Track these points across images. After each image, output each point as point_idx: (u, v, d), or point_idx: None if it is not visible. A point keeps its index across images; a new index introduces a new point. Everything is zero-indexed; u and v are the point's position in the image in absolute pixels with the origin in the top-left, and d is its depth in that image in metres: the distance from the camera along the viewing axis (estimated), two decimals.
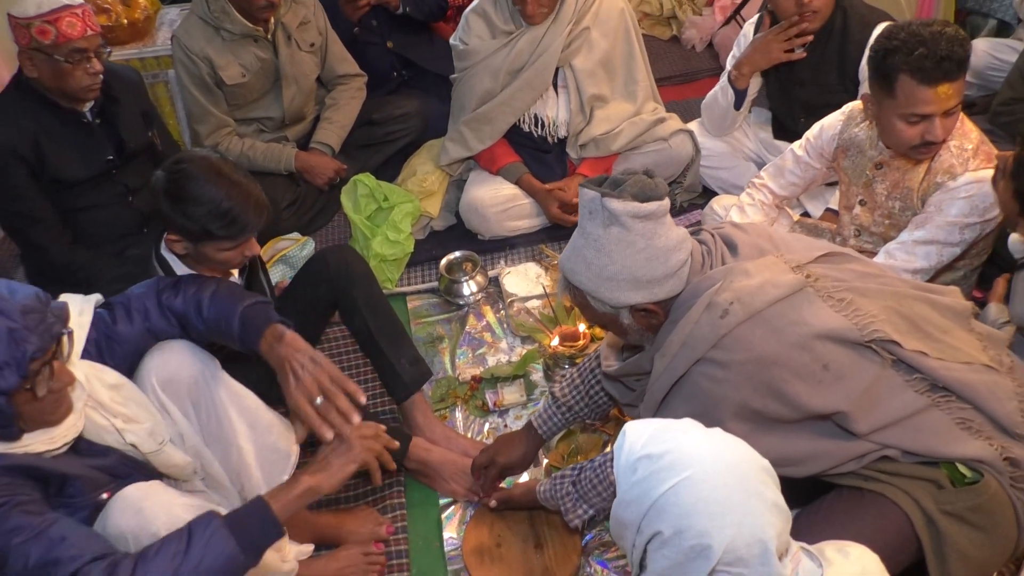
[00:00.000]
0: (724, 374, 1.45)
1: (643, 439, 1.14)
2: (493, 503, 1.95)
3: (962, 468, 1.48)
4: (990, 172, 1.93)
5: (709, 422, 1.21)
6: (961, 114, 1.99)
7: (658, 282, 1.52)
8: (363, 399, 1.52)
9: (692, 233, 1.64)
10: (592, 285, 1.55)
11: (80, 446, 1.48)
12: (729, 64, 2.75)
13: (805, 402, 1.45)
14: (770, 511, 1.08)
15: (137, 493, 1.43)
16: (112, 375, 1.56)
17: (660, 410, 1.54)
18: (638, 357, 1.66)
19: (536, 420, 1.98)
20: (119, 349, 1.64)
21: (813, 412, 1.46)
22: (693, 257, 1.57)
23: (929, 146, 1.92)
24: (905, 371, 1.51)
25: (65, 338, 1.38)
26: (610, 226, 1.49)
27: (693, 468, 1.08)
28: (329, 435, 1.47)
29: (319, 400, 1.47)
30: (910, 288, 1.60)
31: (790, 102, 2.67)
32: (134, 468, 1.52)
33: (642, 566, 1.16)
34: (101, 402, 1.49)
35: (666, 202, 1.50)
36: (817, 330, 1.45)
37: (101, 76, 2.28)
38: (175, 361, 1.67)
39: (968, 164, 1.95)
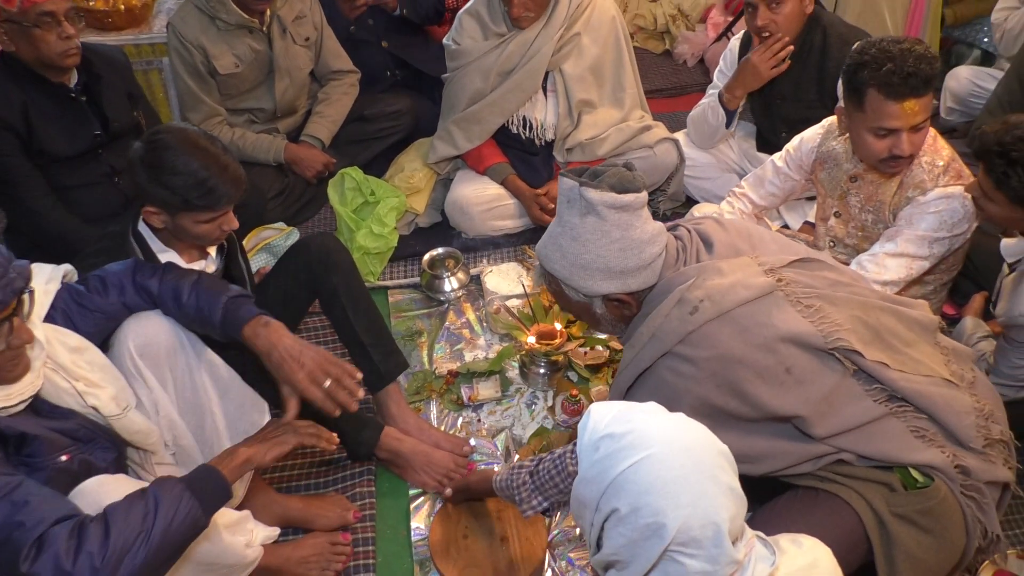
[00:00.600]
0: (689, 369, 1.48)
1: (607, 419, 1.16)
2: (449, 491, 1.96)
3: (914, 473, 1.50)
4: (959, 188, 1.97)
5: None
6: (933, 131, 2.04)
7: (631, 273, 1.55)
8: (359, 375, 1.62)
9: (669, 228, 1.67)
10: (566, 273, 1.58)
11: (40, 407, 1.48)
12: (717, 78, 2.79)
13: (765, 403, 1.47)
14: (725, 494, 1.10)
15: (99, 488, 1.44)
16: (74, 338, 1.56)
17: (625, 399, 1.56)
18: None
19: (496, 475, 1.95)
20: (90, 318, 1.64)
21: (773, 413, 1.49)
22: (668, 251, 1.60)
23: (896, 160, 1.97)
24: (865, 380, 1.54)
25: (26, 297, 1.39)
26: (586, 215, 1.52)
27: (653, 448, 1.10)
28: (336, 412, 1.58)
29: (327, 383, 1.54)
30: (879, 299, 1.64)
31: (772, 116, 2.72)
32: (96, 433, 1.52)
33: (599, 545, 1.18)
34: (62, 364, 1.50)
35: (643, 195, 1.53)
36: (783, 333, 1.48)
37: (76, 42, 2.30)
38: (152, 327, 1.68)
39: (938, 180, 1.99)
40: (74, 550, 1.22)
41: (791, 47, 2.53)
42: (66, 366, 1.51)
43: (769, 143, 2.77)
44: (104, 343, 1.67)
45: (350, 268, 2.20)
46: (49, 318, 1.58)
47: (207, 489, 1.41)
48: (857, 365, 1.52)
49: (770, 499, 1.58)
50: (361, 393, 1.57)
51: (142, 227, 1.87)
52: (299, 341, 1.62)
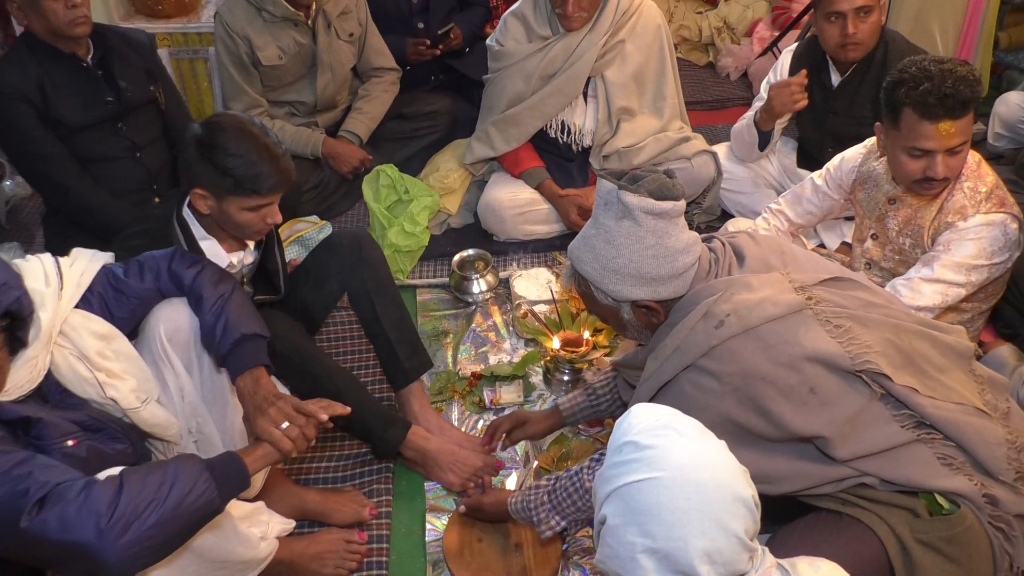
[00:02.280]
0: (711, 383, 1.45)
1: (641, 425, 1.15)
2: (463, 508, 1.95)
3: (940, 499, 1.46)
4: (1001, 216, 1.93)
5: None
6: (978, 157, 1.99)
7: (662, 281, 1.54)
8: (323, 417, 1.58)
9: (704, 240, 1.65)
10: (597, 275, 1.57)
11: (49, 395, 1.50)
12: (763, 89, 2.75)
13: (788, 422, 1.44)
14: (726, 539, 1.07)
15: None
16: (103, 326, 1.58)
17: None
18: (635, 351, 1.67)
19: (562, 401, 2.03)
20: (126, 304, 1.67)
21: (795, 434, 1.46)
22: (700, 262, 1.58)
23: (930, 182, 1.92)
24: (893, 405, 1.50)
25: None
26: (622, 219, 1.51)
27: (664, 473, 1.08)
28: (289, 449, 1.54)
29: (284, 425, 1.54)
30: (913, 323, 1.60)
31: (821, 131, 2.68)
32: (105, 423, 1.53)
33: None
34: (86, 354, 1.51)
35: (682, 203, 1.52)
36: (808, 352, 1.45)
37: (84, 11, 2.36)
38: (182, 314, 1.70)
39: (980, 206, 1.94)
40: (80, 506, 1.22)
41: (805, 81, 2.51)
42: (90, 356, 1.52)
43: (811, 159, 2.72)
44: (134, 328, 1.69)
45: (380, 264, 2.21)
46: (84, 302, 1.60)
47: (227, 474, 1.42)
48: (885, 389, 1.49)
49: (790, 520, 1.55)
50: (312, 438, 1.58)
51: (186, 212, 1.89)
52: (276, 392, 1.61)
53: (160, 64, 2.74)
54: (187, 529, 1.35)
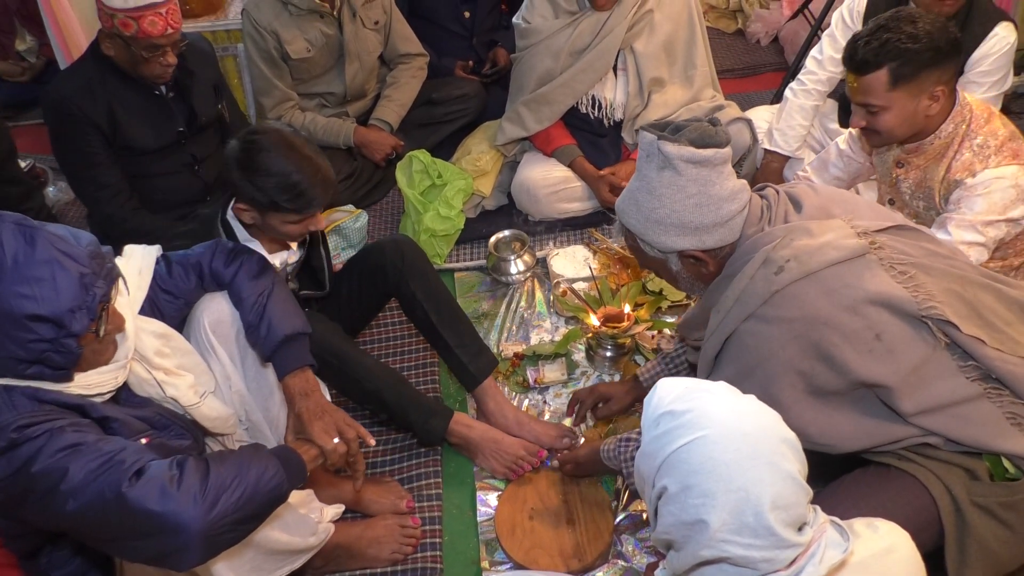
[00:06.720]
0: (770, 331, 1.42)
1: (671, 395, 1.14)
2: (556, 463, 1.98)
3: (1006, 463, 1.43)
4: (1012, 168, 1.87)
5: (755, 384, 1.18)
6: (990, 110, 1.94)
7: (707, 230, 1.51)
8: (372, 441, 1.71)
9: (756, 189, 1.62)
10: (641, 227, 1.56)
11: (119, 396, 1.53)
12: (827, 46, 2.66)
13: (854, 368, 1.40)
14: (783, 482, 1.05)
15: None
16: (159, 325, 1.60)
17: (713, 370, 1.52)
18: (693, 312, 1.66)
19: (641, 372, 2.08)
20: (173, 303, 1.70)
21: (859, 379, 1.42)
22: (751, 210, 1.55)
23: (865, 132, 1.98)
24: (960, 356, 1.46)
25: (119, 282, 1.44)
26: (663, 170, 1.49)
27: (709, 429, 1.07)
28: (336, 462, 1.66)
29: (336, 440, 1.62)
30: (978, 275, 1.55)
31: None
32: (171, 421, 1.56)
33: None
34: (145, 355, 1.54)
35: (726, 151, 1.49)
36: (872, 295, 1.41)
37: (173, 67, 2.34)
38: (226, 306, 1.73)
39: (988, 160, 1.89)
40: (177, 479, 1.27)
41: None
42: (149, 357, 1.55)
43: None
44: (181, 326, 1.71)
45: (425, 270, 2.18)
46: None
47: (290, 462, 1.46)
48: (950, 338, 1.45)
49: (840, 475, 1.53)
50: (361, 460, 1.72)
51: (230, 216, 1.90)
52: (323, 400, 1.70)
53: (222, 75, 2.72)
54: (262, 511, 1.39)
